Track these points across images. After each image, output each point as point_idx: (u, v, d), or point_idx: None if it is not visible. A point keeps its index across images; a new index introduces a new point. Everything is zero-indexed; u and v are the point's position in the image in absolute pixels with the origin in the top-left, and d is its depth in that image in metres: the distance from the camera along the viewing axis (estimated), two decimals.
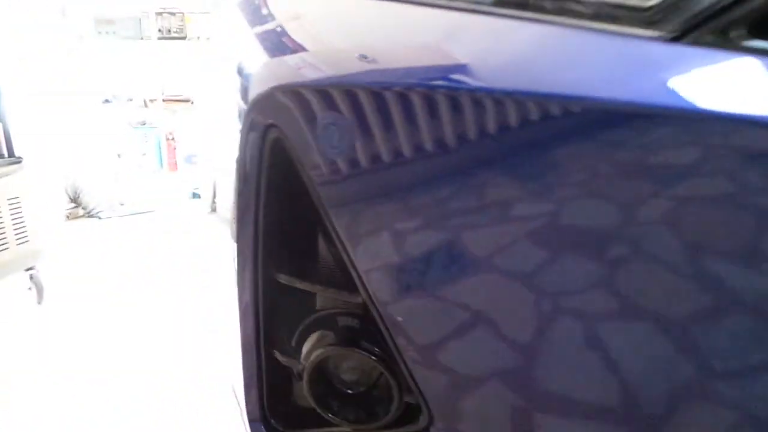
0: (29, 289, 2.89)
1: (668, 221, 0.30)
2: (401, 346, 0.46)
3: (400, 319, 0.45)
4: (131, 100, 5.14)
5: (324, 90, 0.40)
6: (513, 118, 0.35)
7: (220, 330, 2.29)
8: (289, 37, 0.49)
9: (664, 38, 0.29)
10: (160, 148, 5.08)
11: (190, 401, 1.79)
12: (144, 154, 5.11)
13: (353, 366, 0.56)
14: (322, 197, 0.44)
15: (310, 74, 0.42)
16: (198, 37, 4.93)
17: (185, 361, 2.08)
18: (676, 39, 0.29)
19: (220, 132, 0.82)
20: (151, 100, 5.08)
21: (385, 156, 0.40)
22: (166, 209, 4.85)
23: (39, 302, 2.85)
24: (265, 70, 0.48)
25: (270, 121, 0.46)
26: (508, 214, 0.38)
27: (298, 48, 0.46)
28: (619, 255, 0.32)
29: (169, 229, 4.31)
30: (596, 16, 0.31)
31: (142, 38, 4.86)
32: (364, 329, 0.51)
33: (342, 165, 0.42)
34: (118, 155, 5.10)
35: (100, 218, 4.62)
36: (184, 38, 4.90)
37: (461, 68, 0.35)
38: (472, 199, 0.39)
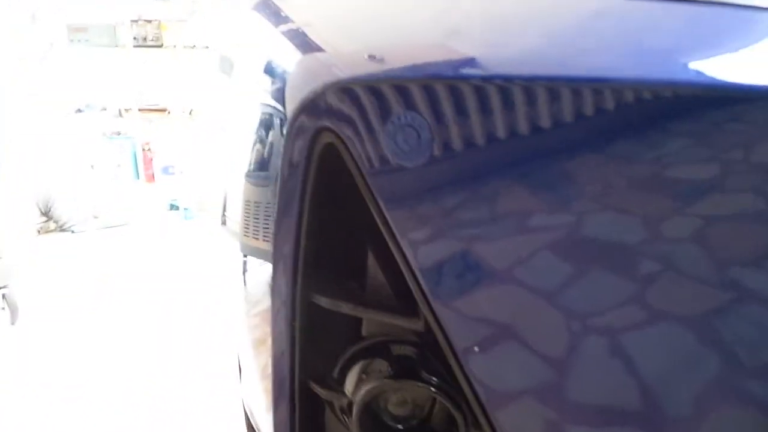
0: (2, 309, 2.74)
1: None
2: (474, 377, 0.41)
3: (476, 349, 0.39)
4: (105, 109, 4.99)
5: (400, 85, 0.35)
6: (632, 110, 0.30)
7: (204, 346, 2.20)
8: (345, 26, 0.43)
9: None
10: (136, 158, 4.94)
11: (171, 415, 1.70)
12: (119, 165, 4.96)
13: (404, 398, 0.50)
14: (388, 212, 0.38)
15: (380, 66, 0.36)
16: (175, 46, 4.82)
17: (166, 375, 1.98)
18: None
19: (229, 141, 0.75)
20: (126, 110, 4.94)
21: (469, 165, 0.35)
22: (143, 221, 4.70)
23: (12, 323, 2.71)
24: (313, 65, 0.42)
25: (323, 123, 0.40)
26: (619, 225, 0.32)
27: (355, 38, 0.41)
28: None
29: (146, 241, 4.17)
30: None
31: (116, 46, 4.73)
32: (424, 358, 0.46)
33: (417, 174, 0.36)
34: (92, 166, 4.93)
35: (73, 232, 4.45)
36: (160, 46, 4.79)
37: (596, 58, 0.30)
38: (570, 213, 0.34)
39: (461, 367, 0.41)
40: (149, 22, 4.81)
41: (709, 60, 0.31)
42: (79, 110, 4.98)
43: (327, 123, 0.40)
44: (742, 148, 0.29)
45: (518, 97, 0.33)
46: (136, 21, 4.77)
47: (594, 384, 0.36)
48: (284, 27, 0.56)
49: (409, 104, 0.35)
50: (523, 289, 0.37)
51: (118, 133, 5.03)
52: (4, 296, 2.61)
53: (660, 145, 0.32)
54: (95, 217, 4.70)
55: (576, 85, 0.32)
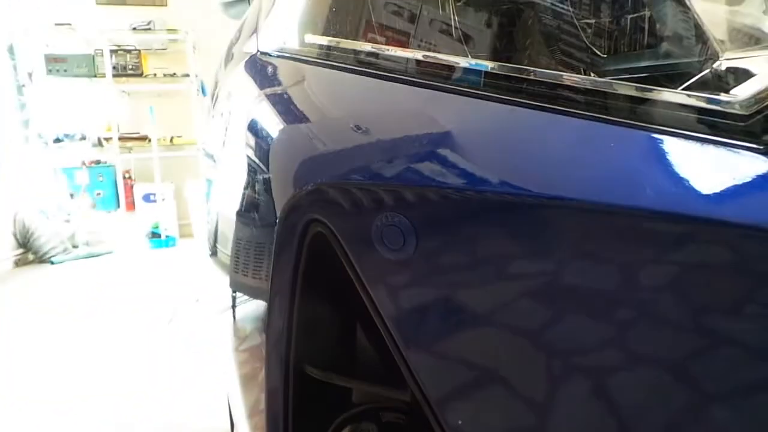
0: None
1: None
2: None
3: (460, 422, 0.42)
4: (84, 138, 4.96)
5: (389, 189, 0.38)
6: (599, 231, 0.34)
7: (190, 381, 2.19)
8: (338, 121, 0.47)
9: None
10: (116, 186, 4.91)
11: None
12: (98, 194, 4.92)
13: None
14: (376, 298, 0.42)
15: (369, 171, 0.40)
16: (155, 74, 4.83)
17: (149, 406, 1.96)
18: None
19: (219, 175, 0.77)
20: (106, 139, 4.92)
21: (448, 261, 0.38)
22: (124, 250, 4.65)
23: None
24: (303, 157, 0.46)
25: (314, 215, 0.43)
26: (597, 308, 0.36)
27: (347, 135, 0.44)
28: None
29: (128, 270, 4.13)
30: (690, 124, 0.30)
31: (95, 76, 4.72)
32: (412, 426, 0.49)
33: (401, 267, 0.39)
34: (71, 195, 4.89)
35: (52, 263, 4.39)
36: (140, 75, 4.79)
37: (551, 176, 0.34)
38: (547, 300, 0.38)
39: None
40: (129, 51, 4.81)
41: None
42: (57, 139, 4.94)
43: (318, 215, 0.43)
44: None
45: (486, 203, 0.36)
46: (115, 51, 4.77)
47: (577, 428, 0.38)
48: (272, 92, 0.59)
49: (396, 208, 0.38)
50: (497, 353, 0.40)
51: (98, 162, 4.99)
52: None
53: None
54: (74, 247, 4.64)
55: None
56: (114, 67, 4.75)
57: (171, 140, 5.06)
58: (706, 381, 0.33)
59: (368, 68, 0.47)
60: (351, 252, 0.42)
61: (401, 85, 0.44)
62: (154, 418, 1.96)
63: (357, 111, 0.46)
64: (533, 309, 0.38)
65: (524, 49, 0.40)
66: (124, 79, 4.82)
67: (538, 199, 0.35)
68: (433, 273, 0.40)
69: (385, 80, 0.45)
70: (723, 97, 0.32)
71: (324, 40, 0.53)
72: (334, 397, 0.54)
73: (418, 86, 0.42)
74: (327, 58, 0.51)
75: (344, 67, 0.48)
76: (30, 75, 4.80)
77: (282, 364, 0.52)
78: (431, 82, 0.41)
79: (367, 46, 0.47)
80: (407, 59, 0.44)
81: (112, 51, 4.75)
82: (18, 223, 4.49)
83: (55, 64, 4.76)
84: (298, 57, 0.56)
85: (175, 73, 4.94)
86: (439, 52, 0.43)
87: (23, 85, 4.79)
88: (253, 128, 0.58)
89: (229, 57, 0.79)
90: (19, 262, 4.46)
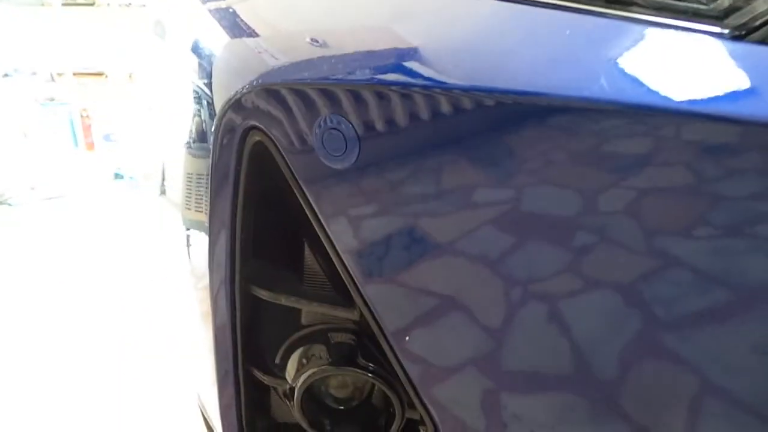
0: None
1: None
2: (406, 363, 0.43)
3: (407, 337, 0.41)
4: (35, 73, 4.68)
5: (329, 89, 0.35)
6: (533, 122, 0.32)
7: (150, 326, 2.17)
8: (280, 17, 0.42)
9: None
10: (73, 126, 4.68)
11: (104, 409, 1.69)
12: (54, 133, 4.70)
13: (345, 381, 0.52)
14: (318, 207, 0.39)
15: (311, 72, 0.36)
16: (109, 4, 4.53)
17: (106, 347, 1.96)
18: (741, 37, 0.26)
19: (164, 110, 0.73)
20: (59, 74, 4.65)
21: (393, 164, 0.36)
22: (86, 192, 4.51)
23: None
24: (243, 60, 0.42)
25: (252, 122, 0.40)
26: (529, 220, 0.34)
27: (290, 32, 0.40)
28: None
29: (90, 213, 4.01)
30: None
31: (42, 5, 4.40)
32: (360, 345, 0.48)
33: (344, 173, 0.37)
34: (24, 135, 4.65)
35: (10, 204, 4.23)
36: (92, 5, 4.49)
37: (499, 68, 0.31)
38: (491, 209, 0.36)
39: (395, 353, 0.44)
40: None
41: None
42: (6, 75, 4.65)
43: (256, 122, 0.40)
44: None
45: (435, 102, 0.33)
46: None
47: (527, 351, 0.38)
48: (215, 5, 0.54)
49: (339, 109, 0.35)
50: (452, 266, 0.38)
51: (52, 99, 4.74)
52: None
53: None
54: (32, 188, 4.48)
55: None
56: None
57: (129, 77, 4.83)
58: (657, 304, 0.32)
59: None
60: (291, 162, 0.39)
61: None
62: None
63: (294, 9, 0.41)
64: (483, 224, 0.36)
65: None
66: (74, 8, 4.52)
67: (490, 95, 0.32)
68: (379, 183, 0.38)
69: None
70: None
71: None
72: (285, 320, 0.52)
73: None
74: None
75: None
76: None
77: (227, 285, 0.50)
78: None
79: None
80: None
81: None
82: None
83: None
84: None
85: (130, 4, 4.66)
86: None
87: None
88: (196, 48, 0.54)
89: None
90: None
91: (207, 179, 0.50)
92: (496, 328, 0.39)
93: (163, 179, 0.79)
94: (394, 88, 0.34)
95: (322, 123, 0.37)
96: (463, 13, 0.35)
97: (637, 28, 0.29)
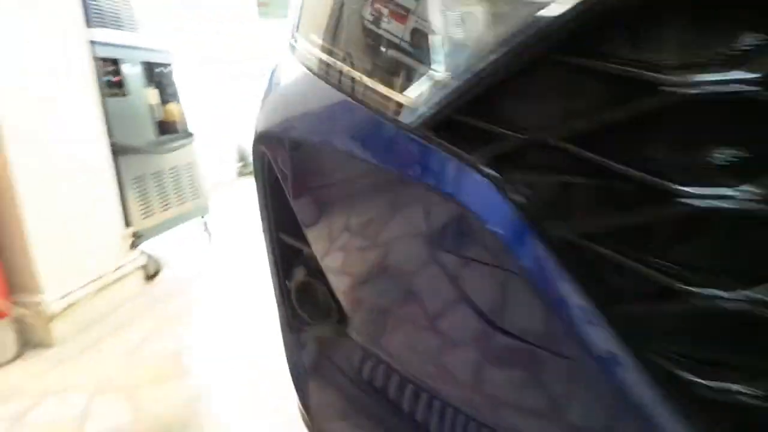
0: (204, 231, 3.70)
1: None
2: (331, 278, 0.81)
3: (331, 265, 0.80)
4: None
5: (282, 139, 0.76)
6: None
7: None
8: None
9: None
10: None
11: None
12: None
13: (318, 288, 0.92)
14: (290, 196, 0.80)
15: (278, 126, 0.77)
16: None
17: None
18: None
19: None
20: None
21: (318, 178, 0.74)
22: None
23: (209, 242, 3.65)
24: (260, 119, 0.85)
25: (263, 149, 0.82)
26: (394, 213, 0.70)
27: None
28: None
29: None
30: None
31: None
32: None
33: (295, 181, 0.77)
34: None
35: None
36: None
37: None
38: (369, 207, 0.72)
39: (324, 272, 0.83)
40: None
41: None
42: None
43: (265, 149, 0.82)
44: None
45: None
46: None
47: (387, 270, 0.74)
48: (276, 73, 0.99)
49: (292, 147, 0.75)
50: (341, 236, 0.75)
51: None
52: (205, 224, 3.54)
53: None
54: None
55: None
56: None
57: None
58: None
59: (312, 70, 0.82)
60: (277, 168, 0.80)
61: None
62: None
63: (291, 96, 0.83)
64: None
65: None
66: None
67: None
68: (318, 188, 0.76)
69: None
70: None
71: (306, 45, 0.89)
72: (297, 253, 0.94)
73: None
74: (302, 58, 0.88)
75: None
76: None
77: (269, 233, 0.94)
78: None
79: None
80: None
81: None
82: (238, 145, 5.66)
83: None
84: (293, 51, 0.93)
85: None
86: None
87: None
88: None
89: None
90: (241, 173, 5.64)
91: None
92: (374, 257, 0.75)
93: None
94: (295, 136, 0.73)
95: (283, 150, 0.77)
96: None
97: None
